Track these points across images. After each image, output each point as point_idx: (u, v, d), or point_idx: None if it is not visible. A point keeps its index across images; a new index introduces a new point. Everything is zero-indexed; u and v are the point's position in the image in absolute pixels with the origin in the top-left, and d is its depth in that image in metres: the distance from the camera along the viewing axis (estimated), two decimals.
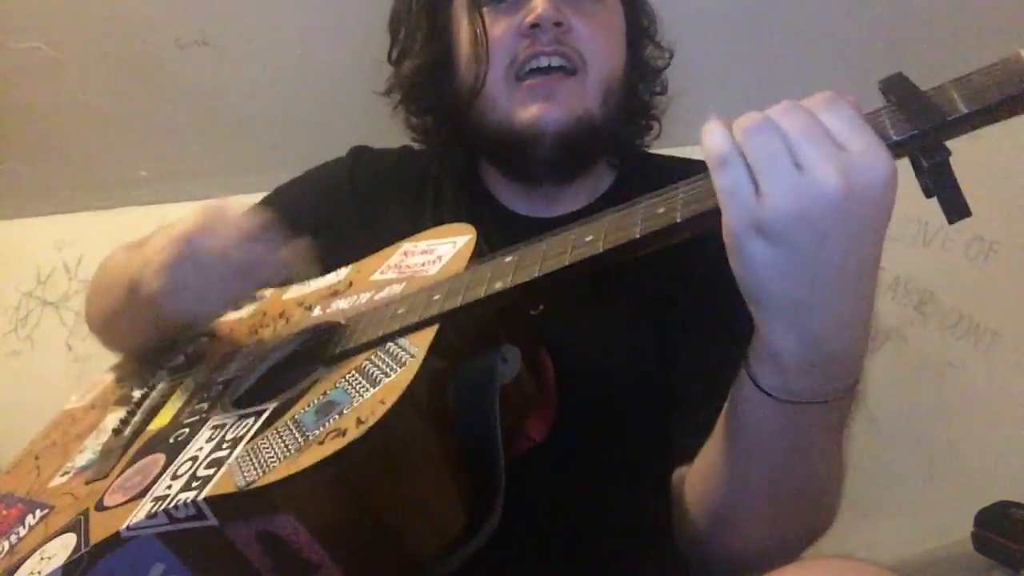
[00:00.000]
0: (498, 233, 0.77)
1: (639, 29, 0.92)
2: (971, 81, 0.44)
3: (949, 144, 0.46)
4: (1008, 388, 1.54)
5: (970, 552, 1.35)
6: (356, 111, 1.35)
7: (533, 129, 0.80)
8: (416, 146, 0.98)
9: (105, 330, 0.87)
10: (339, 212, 0.91)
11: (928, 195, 0.47)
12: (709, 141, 0.48)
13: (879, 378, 1.55)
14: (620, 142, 0.92)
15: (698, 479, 0.68)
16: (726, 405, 0.61)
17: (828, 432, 0.58)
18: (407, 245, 0.76)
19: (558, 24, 0.79)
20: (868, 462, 1.53)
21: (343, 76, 1.40)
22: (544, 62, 0.80)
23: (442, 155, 0.92)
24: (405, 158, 0.96)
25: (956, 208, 0.45)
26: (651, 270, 0.77)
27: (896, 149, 0.46)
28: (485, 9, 0.82)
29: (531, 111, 0.80)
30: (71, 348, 1.58)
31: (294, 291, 0.81)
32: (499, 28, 0.81)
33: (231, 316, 0.85)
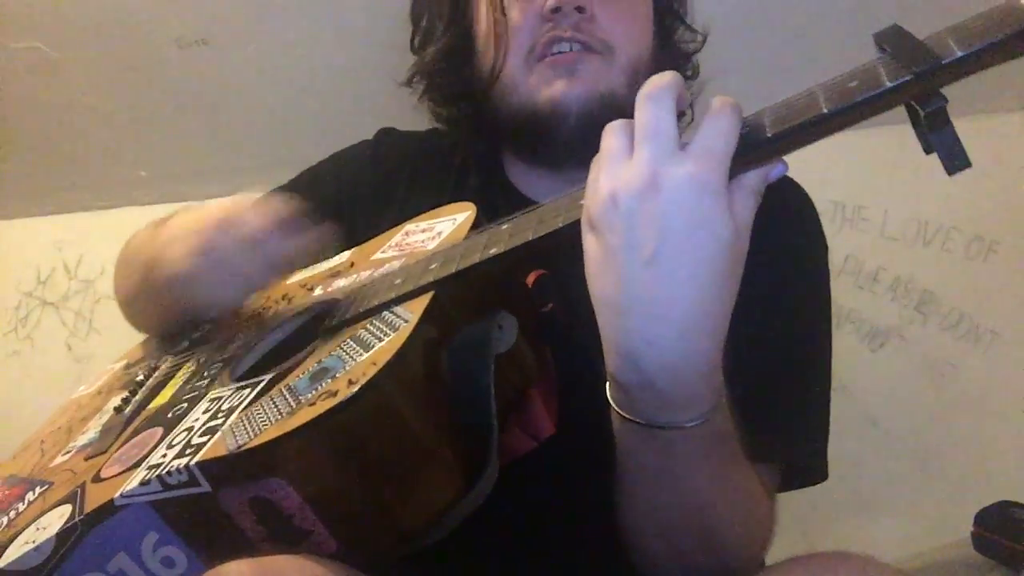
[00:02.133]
0: None
1: (668, 11, 0.90)
2: (967, 26, 0.43)
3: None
4: (1008, 388, 1.54)
5: (970, 552, 1.35)
6: (356, 110, 1.35)
7: (556, 107, 0.78)
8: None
9: (127, 307, 0.87)
10: (359, 194, 0.90)
11: (927, 150, 0.45)
12: None
13: (879, 378, 1.55)
14: None
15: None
16: None
17: (691, 463, 0.54)
18: (409, 226, 0.76)
19: (580, 9, 0.77)
20: (868, 462, 1.53)
21: (343, 76, 1.40)
22: (565, 47, 0.78)
23: (465, 144, 0.90)
24: (431, 141, 0.94)
25: (955, 158, 0.43)
26: None
27: (891, 96, 0.44)
28: None
29: (554, 88, 0.78)
30: (71, 348, 1.58)
31: (298, 274, 0.82)
32: (520, 12, 0.79)
33: None
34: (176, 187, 1.57)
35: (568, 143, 0.80)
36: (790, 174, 0.83)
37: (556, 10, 0.76)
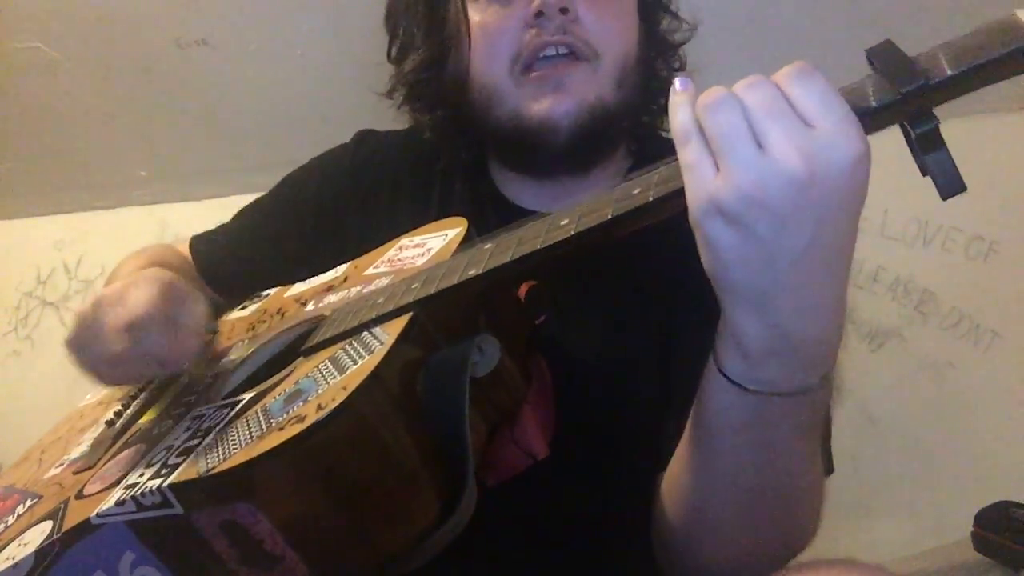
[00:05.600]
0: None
1: (651, 3, 0.88)
2: (959, 43, 0.41)
3: (948, 135, 0.43)
4: (1008, 388, 1.54)
5: (970, 552, 1.35)
6: (356, 111, 1.35)
7: (546, 123, 0.77)
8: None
9: None
10: (341, 200, 0.89)
11: (924, 172, 0.44)
12: (673, 116, 0.47)
13: (879, 378, 1.55)
14: (639, 125, 0.87)
15: (670, 477, 0.66)
16: (696, 396, 0.58)
17: (797, 432, 0.55)
18: (404, 240, 0.76)
19: (564, 11, 0.75)
20: (868, 462, 1.53)
21: (343, 76, 1.40)
22: (551, 51, 0.76)
23: (450, 151, 0.89)
24: (412, 142, 0.93)
25: (949, 182, 0.42)
26: (657, 276, 0.77)
27: (879, 116, 0.43)
28: (485, 0, 0.78)
29: (542, 105, 0.77)
30: None
31: (295, 288, 0.82)
32: (503, 19, 0.77)
33: (233, 314, 0.86)
34: (176, 187, 1.57)
35: (558, 156, 0.79)
36: None
37: (539, 14, 0.75)
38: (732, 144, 0.44)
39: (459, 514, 0.51)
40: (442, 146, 0.89)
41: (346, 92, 1.41)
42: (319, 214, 0.89)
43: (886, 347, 1.55)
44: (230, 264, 0.92)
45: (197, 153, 1.53)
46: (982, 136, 1.45)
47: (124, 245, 1.57)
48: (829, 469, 0.78)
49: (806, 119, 0.43)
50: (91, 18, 1.35)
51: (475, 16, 0.80)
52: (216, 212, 1.49)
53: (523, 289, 0.70)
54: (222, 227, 0.96)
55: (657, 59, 0.88)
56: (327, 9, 1.35)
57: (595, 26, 0.77)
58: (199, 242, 0.96)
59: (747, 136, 0.44)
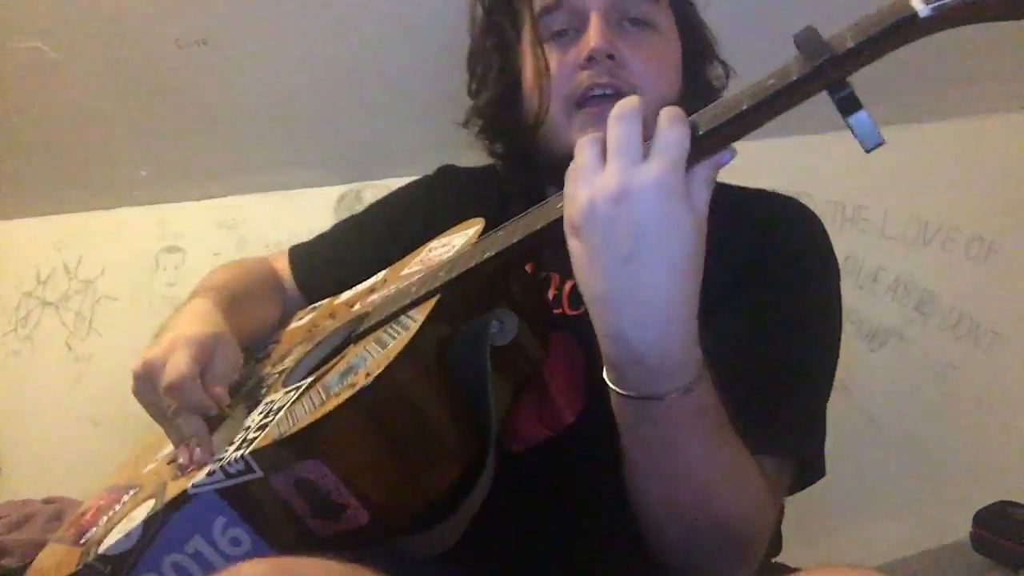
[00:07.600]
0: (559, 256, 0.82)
1: (697, 52, 0.97)
2: (862, 21, 0.50)
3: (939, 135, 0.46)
4: (1008, 388, 1.54)
5: (970, 552, 1.35)
6: (356, 111, 1.35)
7: None
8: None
9: None
10: (412, 220, 1.00)
11: (854, 133, 0.50)
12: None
13: (879, 378, 1.55)
14: None
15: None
16: None
17: (681, 432, 0.61)
18: (432, 243, 0.88)
19: (610, 57, 0.85)
20: (868, 462, 1.53)
21: (343, 76, 1.40)
22: (599, 92, 0.86)
23: (513, 179, 1.00)
24: (485, 175, 1.04)
25: (868, 137, 0.50)
26: None
27: (802, 87, 0.51)
28: (547, 44, 0.89)
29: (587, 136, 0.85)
30: (71, 348, 1.58)
31: (344, 295, 0.93)
32: (560, 62, 0.88)
33: (292, 324, 0.98)
34: (176, 187, 1.57)
35: None
36: (794, 184, 0.87)
37: (590, 59, 0.85)
38: (583, 172, 0.56)
39: (488, 467, 0.60)
40: (506, 172, 1.01)
41: (345, 92, 1.41)
42: (395, 231, 1.01)
43: (886, 347, 1.55)
44: (325, 272, 1.03)
45: (197, 153, 1.53)
46: (982, 136, 1.45)
47: (124, 245, 1.58)
48: (822, 472, 0.79)
49: (648, 153, 0.54)
50: (91, 18, 1.35)
51: (537, 60, 0.90)
52: (216, 212, 1.50)
53: (568, 286, 0.83)
54: (320, 238, 1.09)
55: (697, 101, 0.93)
56: (327, 9, 1.35)
57: (639, 71, 0.87)
58: (298, 253, 1.08)
59: (595, 166, 0.55)
